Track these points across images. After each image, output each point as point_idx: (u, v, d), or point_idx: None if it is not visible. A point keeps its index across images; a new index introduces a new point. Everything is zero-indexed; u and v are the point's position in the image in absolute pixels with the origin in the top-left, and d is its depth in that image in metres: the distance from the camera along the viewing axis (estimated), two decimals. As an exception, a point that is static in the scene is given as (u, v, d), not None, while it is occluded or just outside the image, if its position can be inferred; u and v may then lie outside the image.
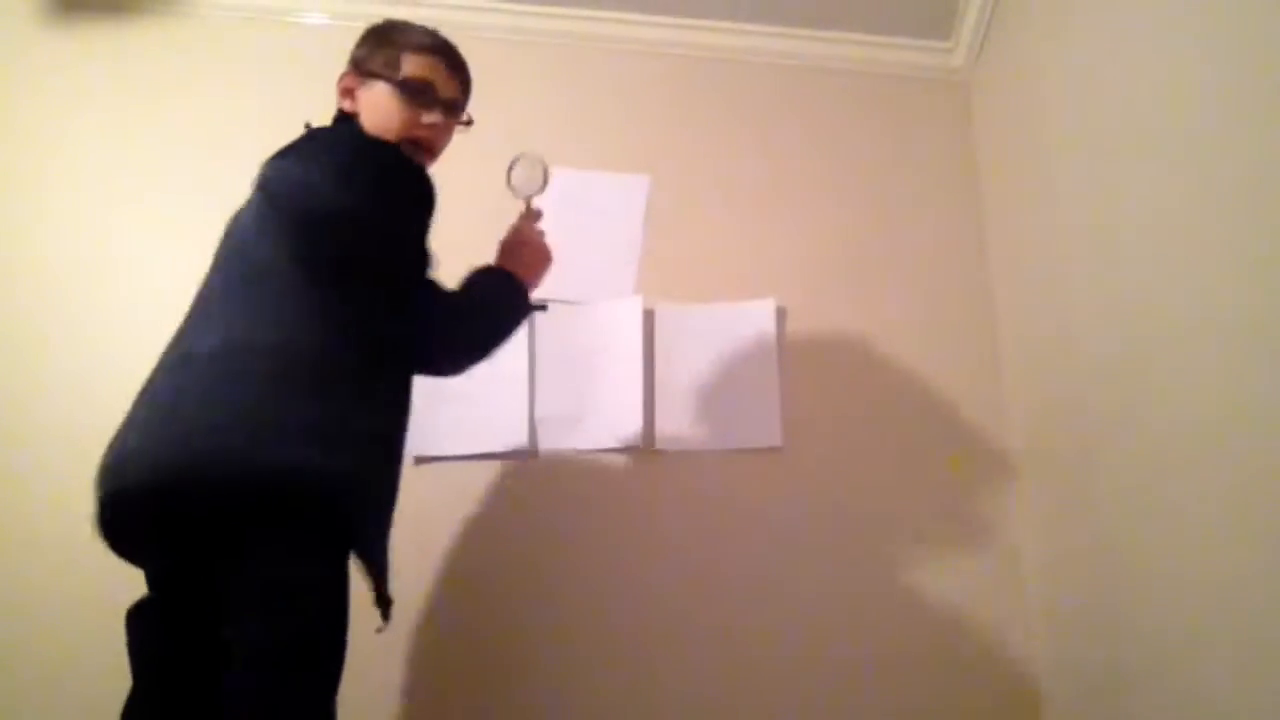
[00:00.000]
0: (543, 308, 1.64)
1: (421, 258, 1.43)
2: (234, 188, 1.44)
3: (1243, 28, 1.27)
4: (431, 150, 1.54)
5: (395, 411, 1.42)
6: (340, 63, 2.28)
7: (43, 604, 1.84)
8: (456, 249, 1.53)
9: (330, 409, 1.26)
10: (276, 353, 1.26)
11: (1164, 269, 1.45)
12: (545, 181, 1.66)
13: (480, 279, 1.53)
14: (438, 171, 1.50)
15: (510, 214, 1.66)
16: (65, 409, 1.97)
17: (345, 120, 1.51)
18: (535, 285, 1.61)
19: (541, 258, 1.64)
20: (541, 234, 1.65)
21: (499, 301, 1.53)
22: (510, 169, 1.67)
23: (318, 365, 1.28)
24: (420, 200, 1.43)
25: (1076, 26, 1.80)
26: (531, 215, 1.66)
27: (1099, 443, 1.66)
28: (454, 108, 1.56)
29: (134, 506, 1.24)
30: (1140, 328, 1.52)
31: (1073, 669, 1.77)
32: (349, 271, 1.33)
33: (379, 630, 1.31)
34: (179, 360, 1.29)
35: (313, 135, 1.46)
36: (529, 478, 2.02)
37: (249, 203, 1.42)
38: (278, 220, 1.34)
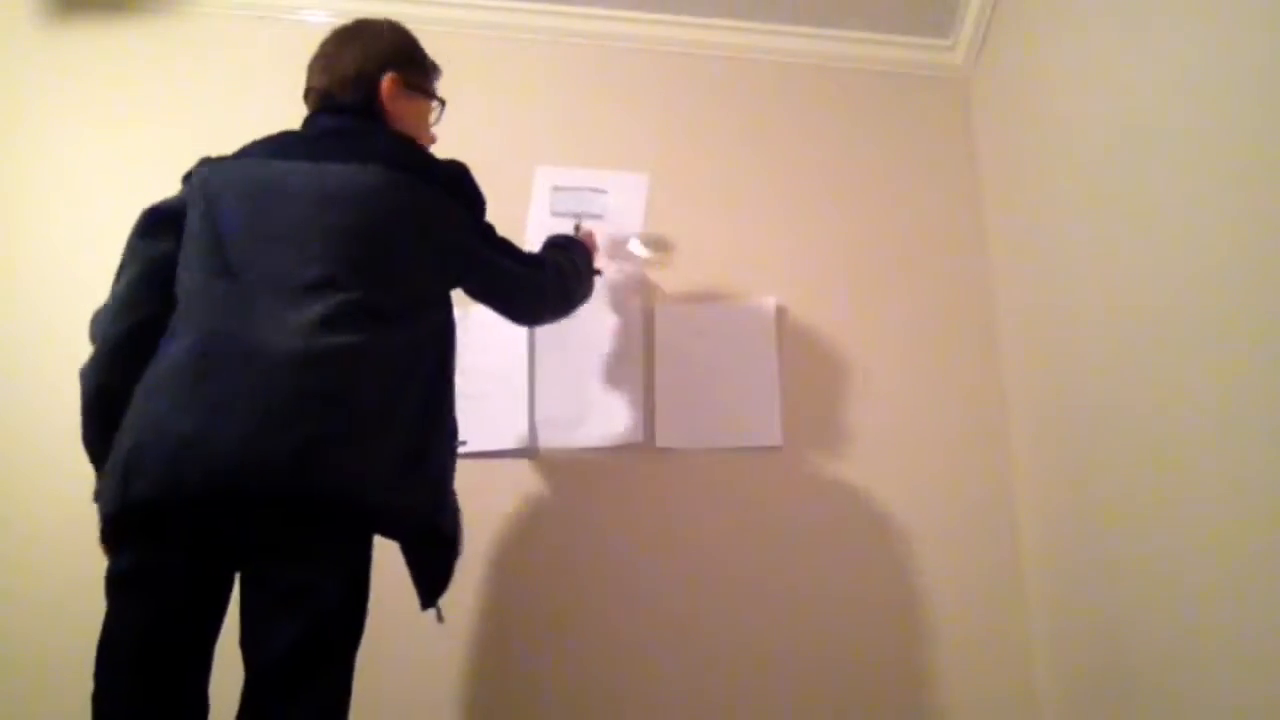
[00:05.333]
0: (598, 272, 1.95)
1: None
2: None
3: (1243, 25, 1.27)
4: None
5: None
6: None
7: (41, 602, 1.85)
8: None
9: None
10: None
11: (1164, 267, 1.45)
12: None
13: (563, 242, 1.83)
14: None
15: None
16: (66, 411, 1.97)
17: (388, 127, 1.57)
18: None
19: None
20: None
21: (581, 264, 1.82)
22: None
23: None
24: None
25: (1077, 24, 1.80)
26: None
27: (1099, 441, 1.66)
28: None
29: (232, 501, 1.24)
30: (1141, 325, 1.52)
31: (1072, 669, 1.77)
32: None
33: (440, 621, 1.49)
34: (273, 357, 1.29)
35: (436, 166, 1.53)
36: (529, 477, 2.02)
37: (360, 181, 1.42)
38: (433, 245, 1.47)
